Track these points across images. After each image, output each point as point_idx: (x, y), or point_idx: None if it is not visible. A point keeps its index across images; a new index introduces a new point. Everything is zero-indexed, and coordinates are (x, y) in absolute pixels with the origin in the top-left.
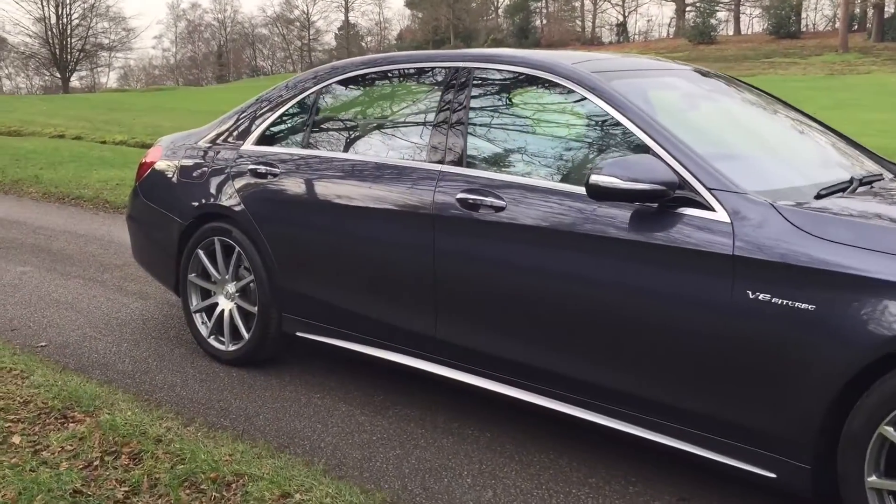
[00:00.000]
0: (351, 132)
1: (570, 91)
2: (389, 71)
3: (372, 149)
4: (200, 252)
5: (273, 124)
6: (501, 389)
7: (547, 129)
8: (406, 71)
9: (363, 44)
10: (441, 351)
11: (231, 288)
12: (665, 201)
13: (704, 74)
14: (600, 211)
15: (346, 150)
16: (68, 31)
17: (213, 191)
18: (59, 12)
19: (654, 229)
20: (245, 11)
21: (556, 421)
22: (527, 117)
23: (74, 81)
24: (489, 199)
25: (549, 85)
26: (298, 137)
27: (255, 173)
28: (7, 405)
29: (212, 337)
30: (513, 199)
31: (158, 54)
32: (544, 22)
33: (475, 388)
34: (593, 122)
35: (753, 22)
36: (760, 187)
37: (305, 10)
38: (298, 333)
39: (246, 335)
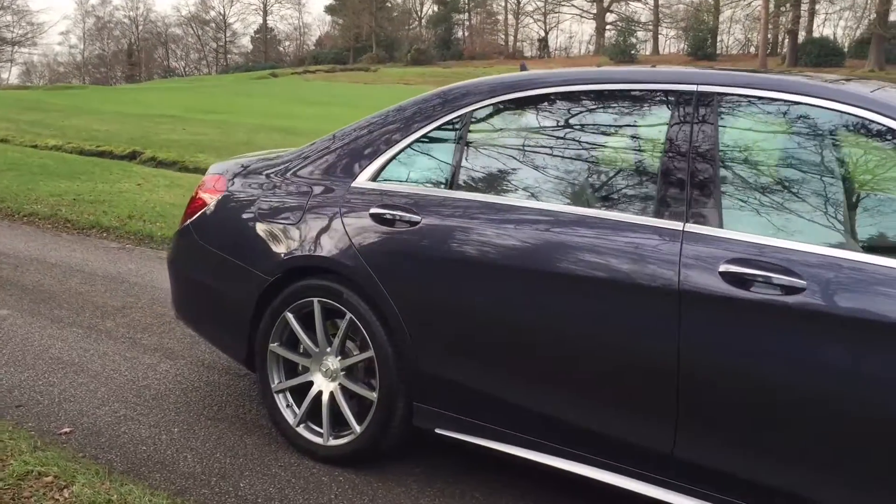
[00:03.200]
0: (529, 171)
1: (886, 129)
2: (587, 92)
3: (562, 195)
4: (290, 316)
5: (402, 154)
6: None
7: (856, 182)
8: (614, 93)
9: (281, 48)
10: (680, 473)
11: (333, 363)
12: None
13: None
14: None
15: (522, 194)
16: None
17: (312, 238)
18: None
19: None
20: (158, 10)
21: None
22: (819, 165)
23: None
24: (775, 276)
25: (846, 122)
26: (445, 174)
27: (379, 219)
28: None
29: (301, 426)
30: (816, 277)
31: (64, 51)
32: (466, 34)
33: None
34: None
35: (670, 43)
36: None
37: (222, 12)
38: (439, 430)
39: (357, 427)
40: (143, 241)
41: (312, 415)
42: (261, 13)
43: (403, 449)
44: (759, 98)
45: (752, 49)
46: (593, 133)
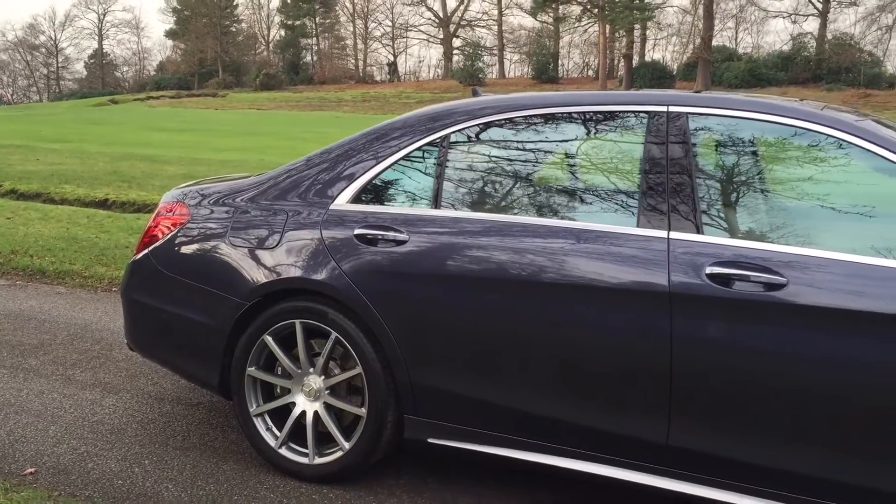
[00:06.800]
0: (512, 188)
1: (840, 142)
2: (561, 114)
3: (544, 210)
4: (269, 339)
5: (383, 175)
6: None
7: (813, 188)
8: (587, 115)
9: (119, 74)
10: (673, 460)
11: (316, 383)
12: None
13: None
14: None
15: (507, 210)
16: None
17: (293, 261)
18: None
19: None
20: None
21: None
22: (779, 174)
23: None
24: (758, 275)
25: (801, 135)
26: (428, 193)
27: (364, 239)
28: None
29: (283, 447)
30: (796, 274)
31: None
32: (316, 59)
33: None
34: (880, 179)
35: (514, 67)
36: None
37: (53, 37)
38: (431, 440)
39: (345, 444)
40: (34, 277)
41: (293, 435)
42: (96, 38)
43: (383, 461)
44: (730, 116)
45: (591, 72)
46: (568, 151)
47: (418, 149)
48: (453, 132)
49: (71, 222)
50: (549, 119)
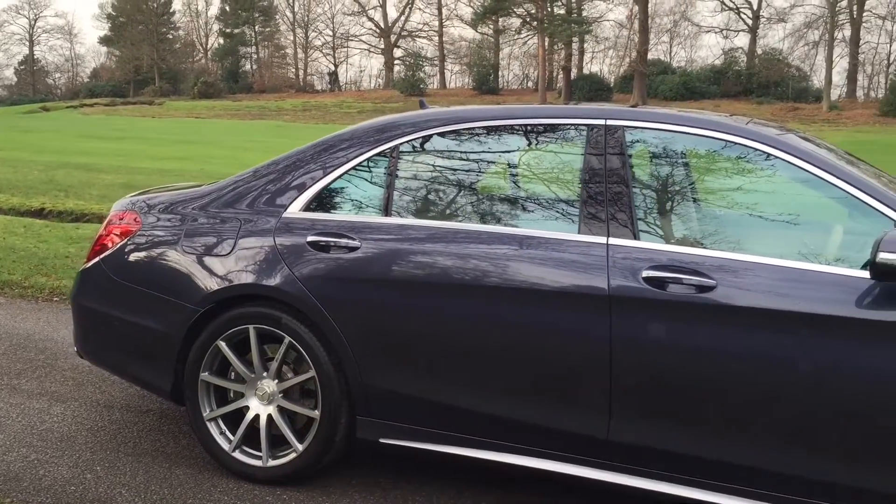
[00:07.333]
0: (457, 196)
1: (765, 155)
2: (505, 126)
3: (489, 217)
4: (223, 344)
5: (334, 184)
6: (711, 498)
7: (740, 197)
8: (530, 127)
9: (51, 81)
10: (614, 454)
11: (270, 387)
12: None
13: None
14: (872, 291)
15: (454, 218)
16: None
17: (247, 268)
18: None
19: None
20: None
21: None
22: (709, 184)
23: None
24: (690, 278)
25: (729, 148)
26: (379, 202)
27: (316, 246)
28: None
29: (237, 451)
30: (725, 277)
31: None
32: (255, 67)
33: (684, 498)
34: (801, 189)
35: (455, 77)
36: None
37: None
38: (384, 440)
39: (299, 446)
40: None
41: (247, 439)
42: (27, 43)
43: (336, 462)
44: (661, 129)
45: (531, 84)
46: (513, 162)
47: (368, 159)
48: (402, 143)
49: (7, 232)
50: (493, 131)
